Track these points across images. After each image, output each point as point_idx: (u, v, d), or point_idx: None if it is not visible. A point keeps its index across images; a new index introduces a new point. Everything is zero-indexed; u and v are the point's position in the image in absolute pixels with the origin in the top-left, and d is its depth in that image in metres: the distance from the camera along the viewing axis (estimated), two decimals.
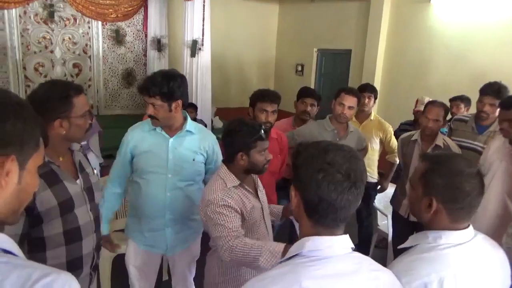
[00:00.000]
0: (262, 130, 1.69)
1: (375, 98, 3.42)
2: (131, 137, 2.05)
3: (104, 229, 2.06)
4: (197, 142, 2.09)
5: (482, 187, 1.13)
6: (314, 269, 0.91)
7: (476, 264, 1.12)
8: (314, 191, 0.93)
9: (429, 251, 1.13)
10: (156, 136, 2.02)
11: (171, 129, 2.04)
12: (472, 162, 1.17)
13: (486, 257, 1.16)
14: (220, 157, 2.15)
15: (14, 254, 0.72)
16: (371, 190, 3.45)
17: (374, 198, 3.49)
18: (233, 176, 1.71)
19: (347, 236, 0.99)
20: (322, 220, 0.96)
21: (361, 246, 3.58)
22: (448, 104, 3.16)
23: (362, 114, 3.37)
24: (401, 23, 5.21)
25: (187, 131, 2.06)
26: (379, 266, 1.03)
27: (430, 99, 3.09)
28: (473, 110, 3.19)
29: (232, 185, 1.69)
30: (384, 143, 3.38)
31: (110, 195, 2.14)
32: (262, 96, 2.45)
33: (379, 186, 3.45)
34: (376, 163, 3.44)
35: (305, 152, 0.98)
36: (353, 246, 1.00)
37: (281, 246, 1.49)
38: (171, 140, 2.02)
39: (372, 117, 3.38)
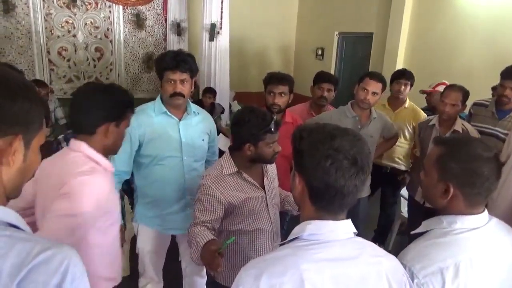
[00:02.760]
0: (273, 122, 1.64)
1: (411, 85, 3.29)
2: (137, 123, 1.94)
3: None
4: (202, 123, 2.16)
5: (499, 171, 1.10)
6: (314, 253, 0.91)
7: (491, 249, 1.11)
8: (321, 178, 0.92)
9: (444, 236, 1.12)
10: (165, 120, 2.03)
11: (180, 111, 2.07)
12: (489, 146, 1.14)
13: (500, 241, 1.15)
14: (217, 137, 2.27)
15: (20, 228, 0.75)
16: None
17: (403, 187, 3.42)
18: (232, 163, 1.70)
19: (349, 221, 0.98)
20: (329, 206, 0.95)
21: (380, 233, 3.55)
22: (471, 89, 3.05)
23: (396, 102, 3.26)
24: (426, 5, 5.02)
25: (194, 112, 2.11)
26: (383, 251, 1.02)
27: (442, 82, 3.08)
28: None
29: (227, 173, 1.68)
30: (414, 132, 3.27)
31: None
32: (269, 78, 2.48)
33: (402, 177, 3.37)
34: (408, 152, 3.33)
35: (309, 137, 0.96)
36: (355, 231, 0.99)
37: (206, 239, 1.49)
38: (181, 122, 2.05)
39: (406, 105, 3.27)
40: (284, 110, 2.50)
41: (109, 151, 1.51)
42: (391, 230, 3.66)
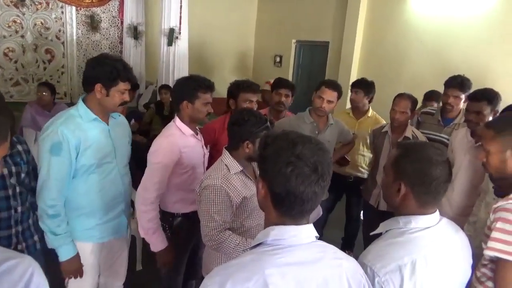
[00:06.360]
0: (268, 122, 1.79)
1: (367, 93, 3.32)
2: (71, 134, 1.83)
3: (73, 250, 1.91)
4: (124, 125, 2.17)
5: (449, 174, 1.19)
6: (278, 257, 0.93)
7: (442, 245, 1.19)
8: (282, 184, 0.94)
9: (401, 235, 1.18)
10: (97, 126, 1.94)
11: (107, 116, 2.00)
12: (442, 151, 1.23)
13: (449, 238, 1.23)
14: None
15: None
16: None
17: None
18: (236, 163, 1.79)
19: (311, 225, 1.01)
20: (289, 211, 0.98)
21: (348, 240, 3.63)
22: (419, 97, 3.22)
23: (358, 110, 3.34)
24: (378, 16, 5.28)
25: (118, 115, 2.10)
26: (343, 254, 1.05)
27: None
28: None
29: (234, 172, 1.77)
30: None
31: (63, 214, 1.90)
32: (246, 87, 2.57)
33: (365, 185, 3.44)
34: (371, 161, 3.43)
35: (273, 144, 0.98)
36: (317, 235, 1.02)
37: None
38: (109, 128, 2.00)
39: (369, 114, 3.37)
40: None
41: (193, 121, 2.11)
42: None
